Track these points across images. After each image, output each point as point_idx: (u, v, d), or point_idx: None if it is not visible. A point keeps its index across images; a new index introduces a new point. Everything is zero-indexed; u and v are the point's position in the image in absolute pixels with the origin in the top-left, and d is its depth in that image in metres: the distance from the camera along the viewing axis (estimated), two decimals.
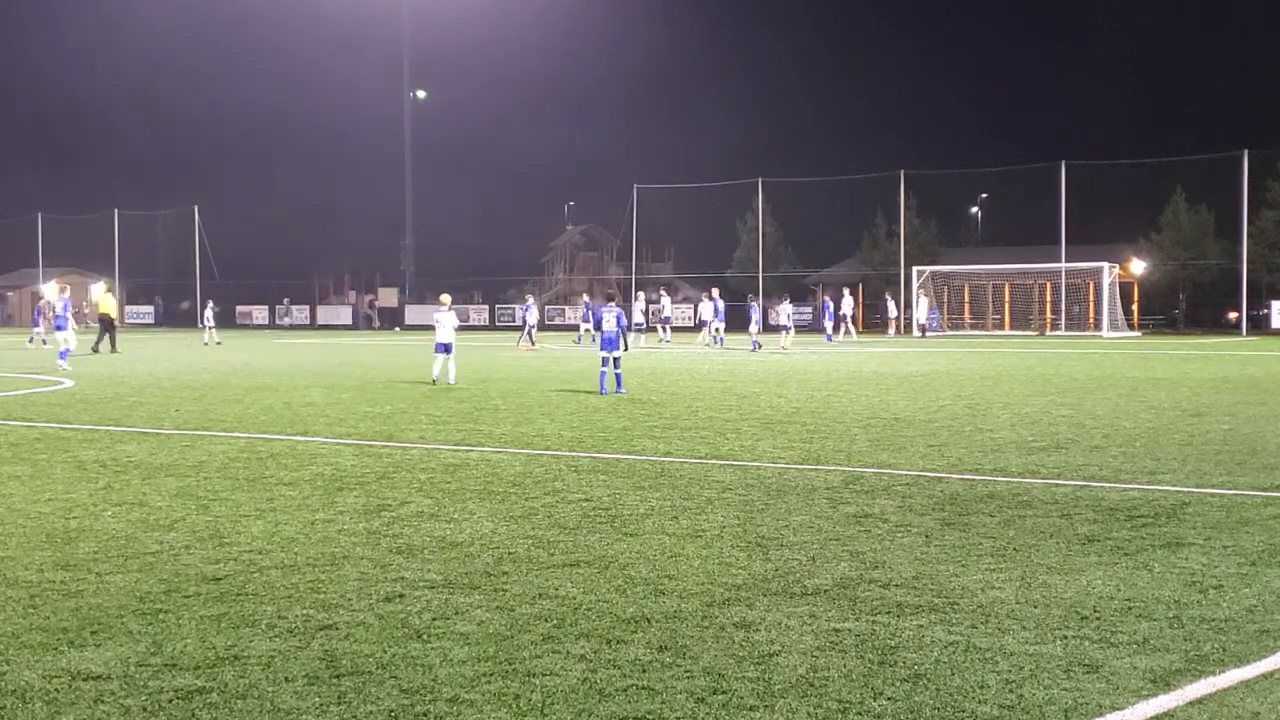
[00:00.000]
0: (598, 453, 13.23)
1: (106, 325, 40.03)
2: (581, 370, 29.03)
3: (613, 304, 22.87)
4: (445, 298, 25.80)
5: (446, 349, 23.70)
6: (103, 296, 42.43)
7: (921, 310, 57.85)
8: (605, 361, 21.57)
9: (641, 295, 58.64)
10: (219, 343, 46.89)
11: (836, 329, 51.12)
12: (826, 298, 54.47)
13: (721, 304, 45.08)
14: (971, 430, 15.14)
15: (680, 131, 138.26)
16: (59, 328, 30.91)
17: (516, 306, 48.48)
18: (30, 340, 45.00)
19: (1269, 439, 14.11)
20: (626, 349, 22.28)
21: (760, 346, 39.94)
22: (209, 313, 50.36)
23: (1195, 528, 8.85)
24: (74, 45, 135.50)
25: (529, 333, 44.97)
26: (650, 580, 7.33)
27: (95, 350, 38.33)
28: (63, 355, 30.03)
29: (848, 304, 52.95)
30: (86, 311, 60.74)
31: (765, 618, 6.48)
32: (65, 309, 31.10)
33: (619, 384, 21.50)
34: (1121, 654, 5.86)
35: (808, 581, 7.27)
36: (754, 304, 50.08)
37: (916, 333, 57.08)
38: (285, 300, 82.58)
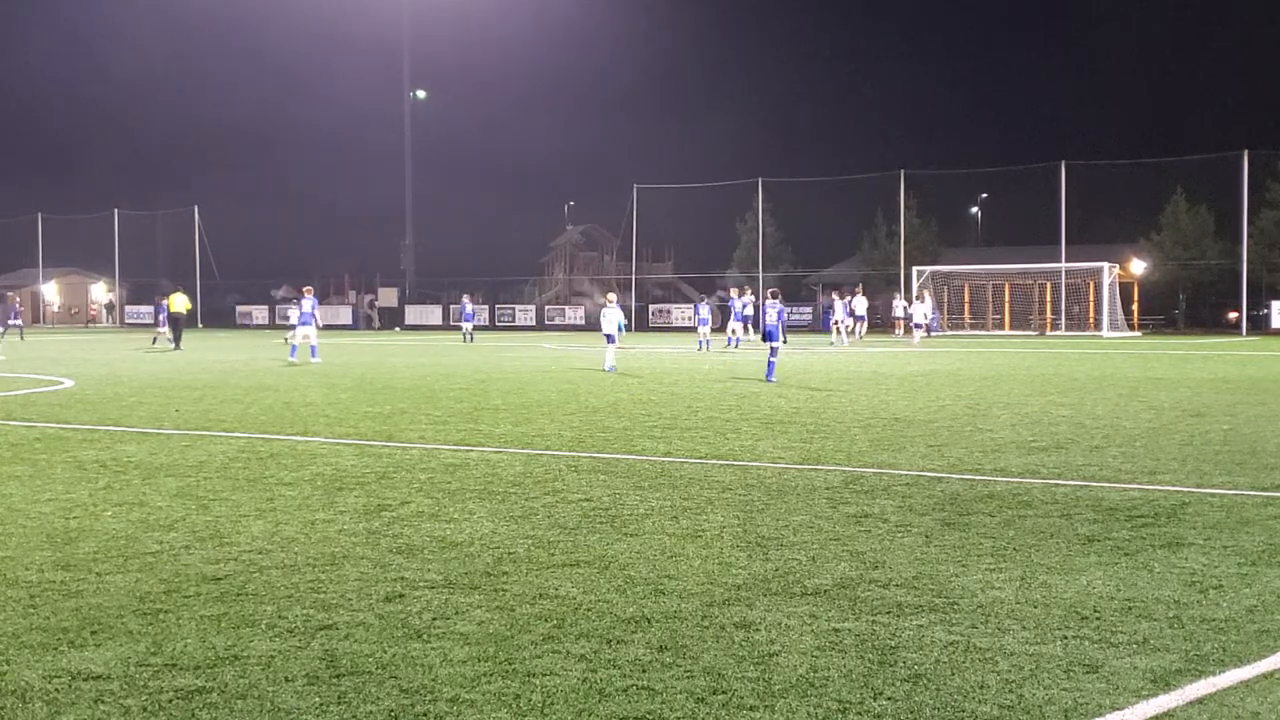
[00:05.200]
0: (598, 453, 13.22)
1: (176, 323, 42.75)
2: (582, 370, 29.02)
3: (776, 300, 25.63)
4: (611, 296, 30.98)
5: (610, 340, 28.52)
6: (174, 296, 43.90)
7: (927, 309, 57.55)
8: (773, 351, 24.48)
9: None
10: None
11: (907, 330, 50.56)
12: (835, 297, 53.98)
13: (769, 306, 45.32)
14: (971, 430, 15.14)
15: (680, 131, 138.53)
16: (304, 323, 33.37)
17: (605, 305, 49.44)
18: (155, 340, 45.79)
19: (1269, 439, 14.11)
20: (785, 341, 25.94)
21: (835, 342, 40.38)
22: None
23: (1195, 528, 8.85)
24: (74, 45, 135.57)
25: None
26: (650, 580, 7.33)
27: (177, 347, 40.96)
28: (294, 349, 33.12)
29: (923, 308, 50.77)
30: (74, 312, 61.05)
31: (765, 618, 6.48)
32: (314, 307, 33.83)
33: (769, 371, 24.17)
34: (1121, 654, 5.86)
35: (808, 581, 7.27)
36: (839, 301, 50.25)
37: (921, 333, 56.89)
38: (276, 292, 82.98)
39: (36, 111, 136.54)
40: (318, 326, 33.95)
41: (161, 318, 46.80)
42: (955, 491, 10.50)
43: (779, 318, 24.88)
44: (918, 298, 52.95)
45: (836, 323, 47.62)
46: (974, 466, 11.97)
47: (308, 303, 33.85)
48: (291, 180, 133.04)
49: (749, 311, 46.62)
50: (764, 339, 24.89)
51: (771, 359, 24.33)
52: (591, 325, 70.29)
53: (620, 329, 29.07)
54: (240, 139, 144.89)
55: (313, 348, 32.90)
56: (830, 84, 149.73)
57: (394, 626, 6.35)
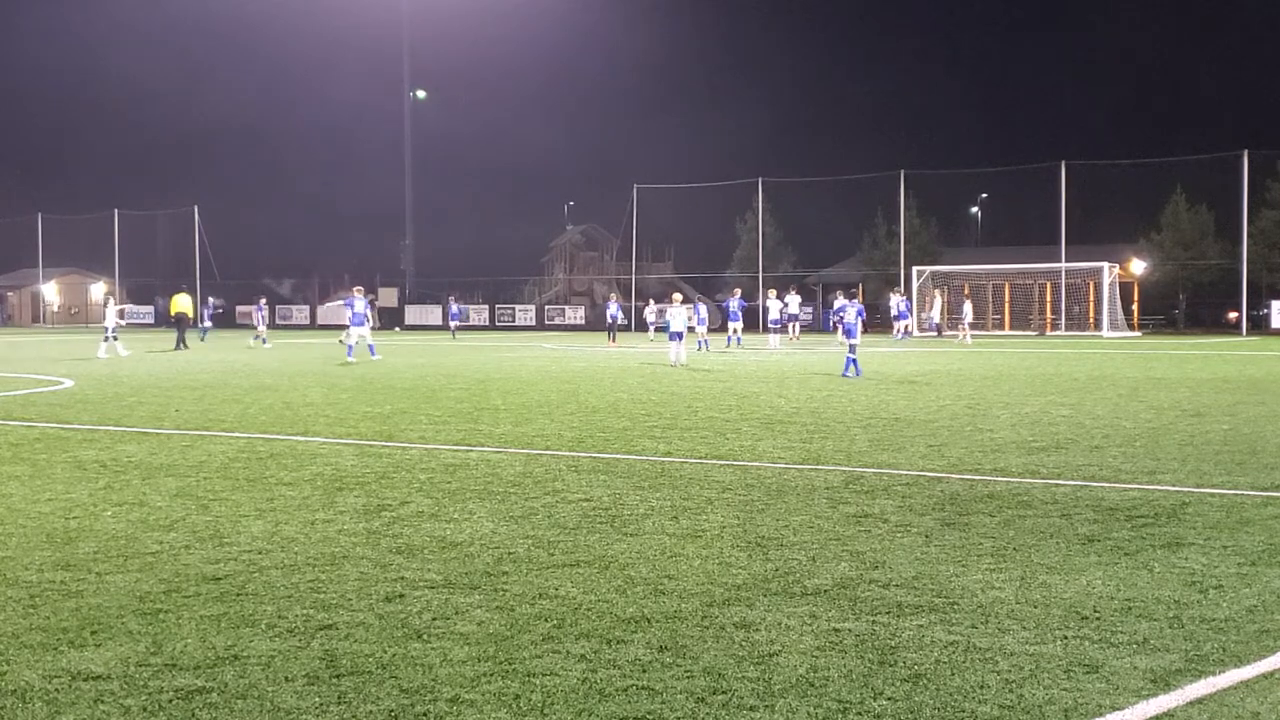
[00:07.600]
0: (598, 453, 13.22)
1: (179, 323, 42.85)
2: (582, 370, 29.02)
3: (854, 301, 27.16)
4: (677, 296, 33.07)
5: (679, 337, 30.38)
6: (176, 296, 43.95)
7: (935, 310, 57.52)
8: (852, 349, 26.03)
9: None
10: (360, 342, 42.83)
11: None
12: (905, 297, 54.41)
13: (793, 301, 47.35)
14: (971, 430, 15.14)
15: (680, 131, 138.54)
16: (357, 324, 33.80)
17: (611, 304, 51.04)
18: (255, 338, 46.04)
19: (1269, 439, 14.11)
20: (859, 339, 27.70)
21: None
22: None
23: (1195, 528, 8.85)
24: (75, 45, 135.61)
25: (616, 331, 48.30)
26: (650, 580, 7.33)
27: (178, 347, 41.04)
28: (350, 349, 33.30)
29: (966, 306, 52.11)
30: (74, 312, 61.54)
31: (765, 618, 6.48)
32: (367, 308, 34.61)
33: (847, 367, 25.66)
34: (1121, 654, 5.85)
35: (808, 581, 7.27)
36: (899, 298, 51.16)
37: (931, 331, 56.77)
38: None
39: (37, 111, 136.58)
40: (371, 326, 35.06)
41: (260, 316, 46.70)
42: (955, 491, 10.50)
43: (858, 316, 26.43)
44: (962, 296, 54.26)
45: (903, 321, 50.81)
46: (974, 466, 11.97)
47: (360, 303, 34.63)
48: (291, 180, 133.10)
49: (794, 310, 47.69)
50: (845, 336, 26.37)
51: (851, 356, 25.72)
52: (592, 325, 70.36)
53: (685, 327, 30.88)
54: (240, 139, 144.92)
55: (370, 346, 34.04)
56: (830, 84, 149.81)
57: (394, 626, 6.35)
